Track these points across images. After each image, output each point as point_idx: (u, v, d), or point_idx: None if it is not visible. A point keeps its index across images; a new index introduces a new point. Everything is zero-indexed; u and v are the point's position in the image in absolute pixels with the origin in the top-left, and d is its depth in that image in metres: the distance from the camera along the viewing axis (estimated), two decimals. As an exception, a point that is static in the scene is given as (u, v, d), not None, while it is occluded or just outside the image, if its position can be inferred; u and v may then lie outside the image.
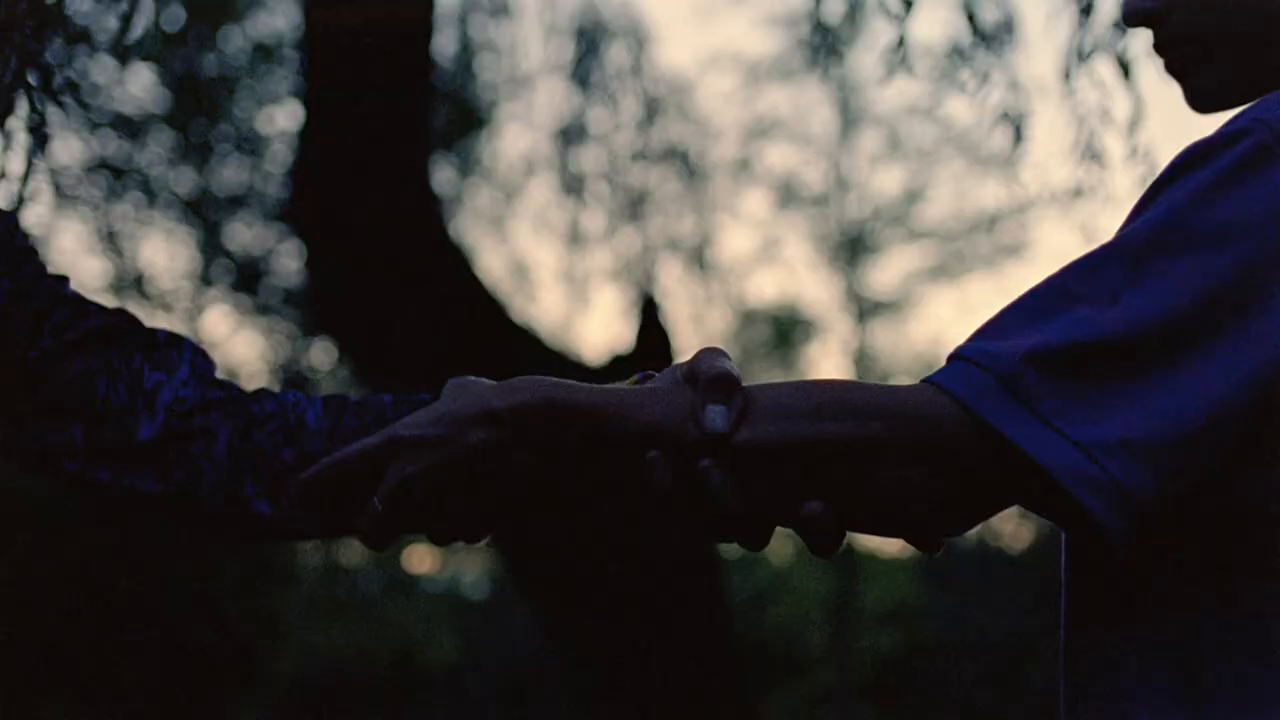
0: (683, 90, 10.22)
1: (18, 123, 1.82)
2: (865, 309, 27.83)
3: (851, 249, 25.95)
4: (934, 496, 1.07)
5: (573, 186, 7.51)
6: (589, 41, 7.58)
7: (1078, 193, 2.67)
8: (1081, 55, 2.64)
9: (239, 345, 19.67)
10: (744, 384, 1.08)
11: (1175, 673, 1.05)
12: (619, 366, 6.32)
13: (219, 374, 1.33)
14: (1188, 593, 1.05)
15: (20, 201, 1.87)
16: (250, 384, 1.29)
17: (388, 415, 1.24)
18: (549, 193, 7.56)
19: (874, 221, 24.00)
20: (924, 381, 1.06)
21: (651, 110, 7.57)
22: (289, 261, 17.43)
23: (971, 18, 2.58)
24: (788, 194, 22.86)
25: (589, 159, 7.47)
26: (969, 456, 1.02)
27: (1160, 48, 1.21)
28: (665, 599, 5.86)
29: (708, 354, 1.12)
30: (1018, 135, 2.61)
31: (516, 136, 8.02)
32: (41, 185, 1.91)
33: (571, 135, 7.54)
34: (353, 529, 1.12)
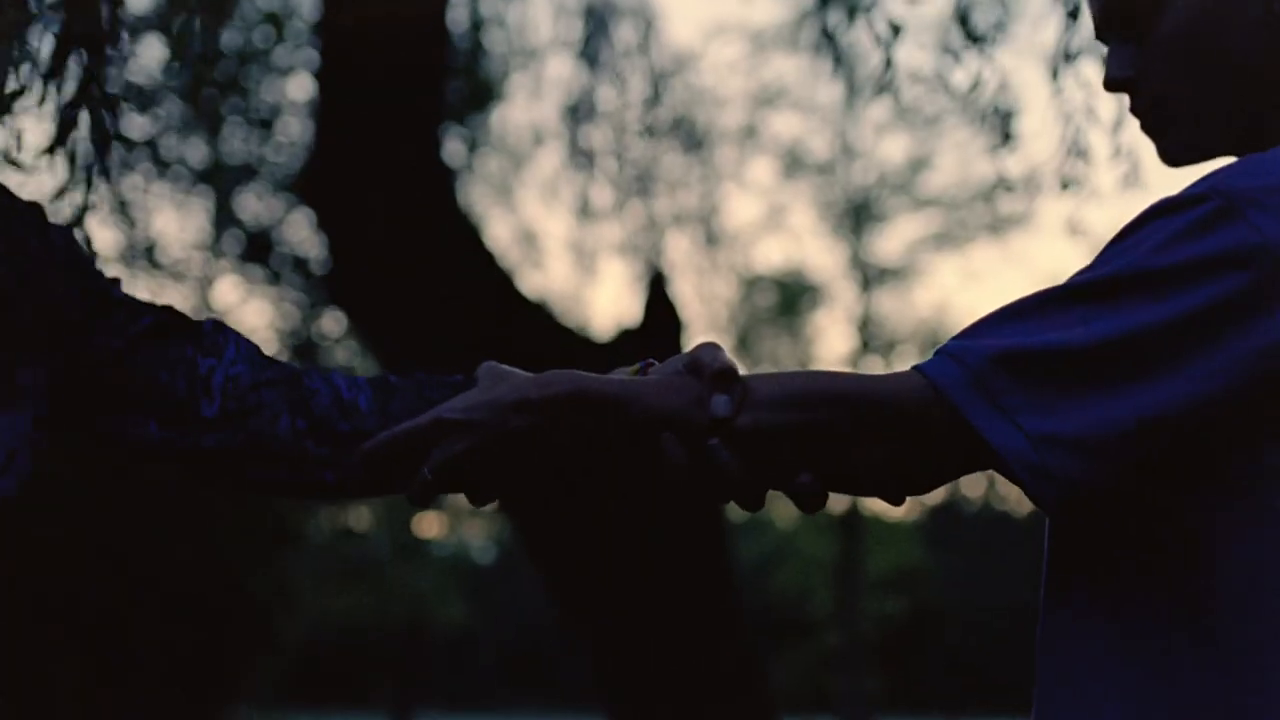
0: (688, 61, 10.36)
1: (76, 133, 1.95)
2: (870, 276, 27.95)
3: (856, 216, 26.05)
4: (903, 467, 1.24)
5: (581, 162, 7.63)
6: (597, 19, 7.71)
7: (1064, 186, 2.82)
8: (1068, 56, 2.80)
9: (249, 315, 19.81)
10: (742, 375, 1.25)
11: (1120, 646, 1.21)
12: (627, 340, 6.46)
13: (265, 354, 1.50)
14: (1134, 573, 1.22)
15: (83, 210, 1.99)
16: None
17: (427, 395, 1.41)
18: (557, 168, 7.72)
19: (879, 189, 24.10)
20: (913, 368, 1.22)
21: (659, 87, 7.69)
22: (298, 231, 17.56)
23: (964, 20, 2.73)
24: (793, 162, 22.95)
25: (597, 135, 7.61)
26: (938, 432, 1.18)
27: (1135, 111, 1.34)
28: (671, 563, 5.99)
29: (708, 348, 1.27)
30: (1006, 134, 2.77)
31: (525, 112, 8.15)
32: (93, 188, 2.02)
33: (580, 111, 7.68)
34: (404, 492, 1.31)
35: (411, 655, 30.41)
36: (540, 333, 6.17)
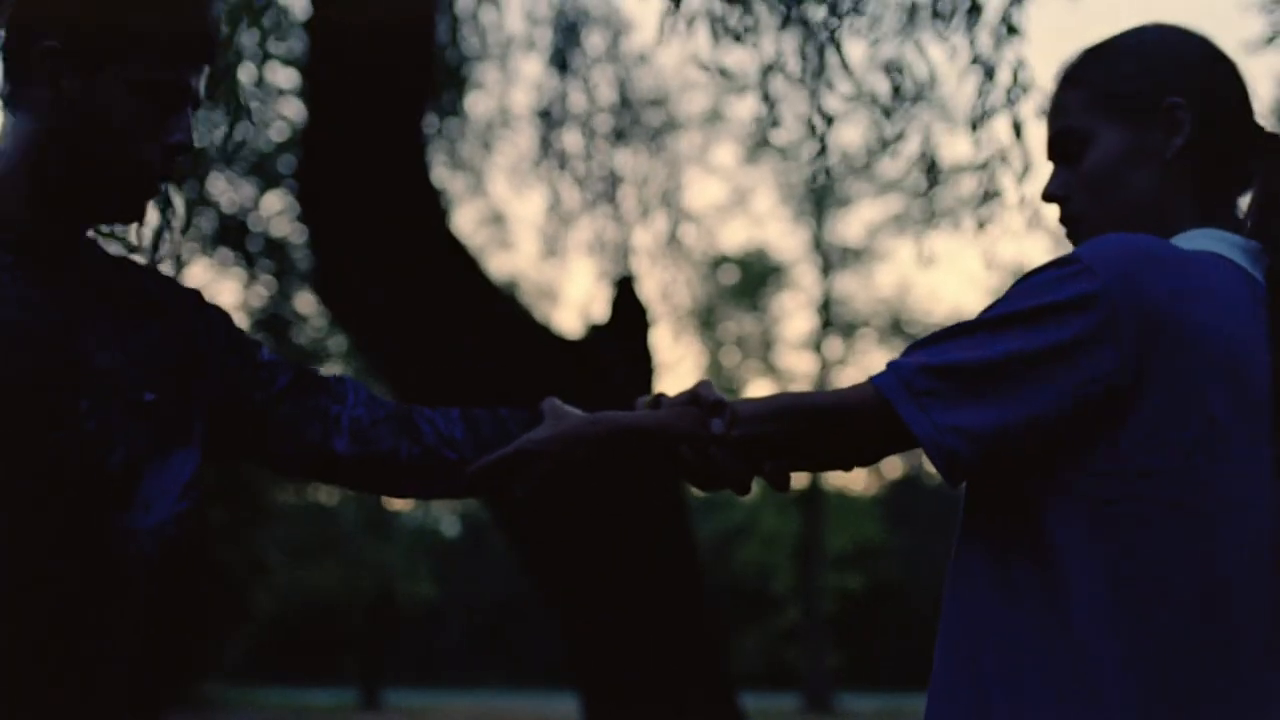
0: (652, 52, 10.64)
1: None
2: (832, 258, 28.39)
3: (819, 200, 26.47)
4: (850, 450, 1.74)
5: (551, 163, 7.99)
6: (568, 27, 8.06)
7: (980, 225, 3.22)
8: (986, 113, 3.20)
9: (224, 294, 20.11)
10: (728, 401, 1.81)
11: (995, 583, 1.63)
12: (596, 335, 6.80)
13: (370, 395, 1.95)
14: (1005, 533, 1.64)
15: (179, 258, 2.34)
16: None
17: (507, 428, 1.85)
18: (529, 169, 8.04)
19: (842, 173, 24.49)
20: (868, 380, 1.67)
21: (626, 90, 8.06)
22: (270, 214, 17.86)
23: (896, 86, 3.13)
24: (757, 146, 23.34)
25: (568, 137, 7.97)
26: (880, 424, 1.62)
27: (1062, 220, 1.75)
28: (634, 540, 6.27)
29: (704, 385, 1.80)
30: (932, 178, 3.17)
31: (499, 116, 8.52)
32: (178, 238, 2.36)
33: (551, 114, 8.05)
34: (501, 497, 1.84)
35: (380, 629, 30.74)
36: (516, 331, 6.46)
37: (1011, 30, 3.23)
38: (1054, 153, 1.74)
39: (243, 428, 1.76)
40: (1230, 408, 1.53)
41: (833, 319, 27.92)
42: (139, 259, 1.90)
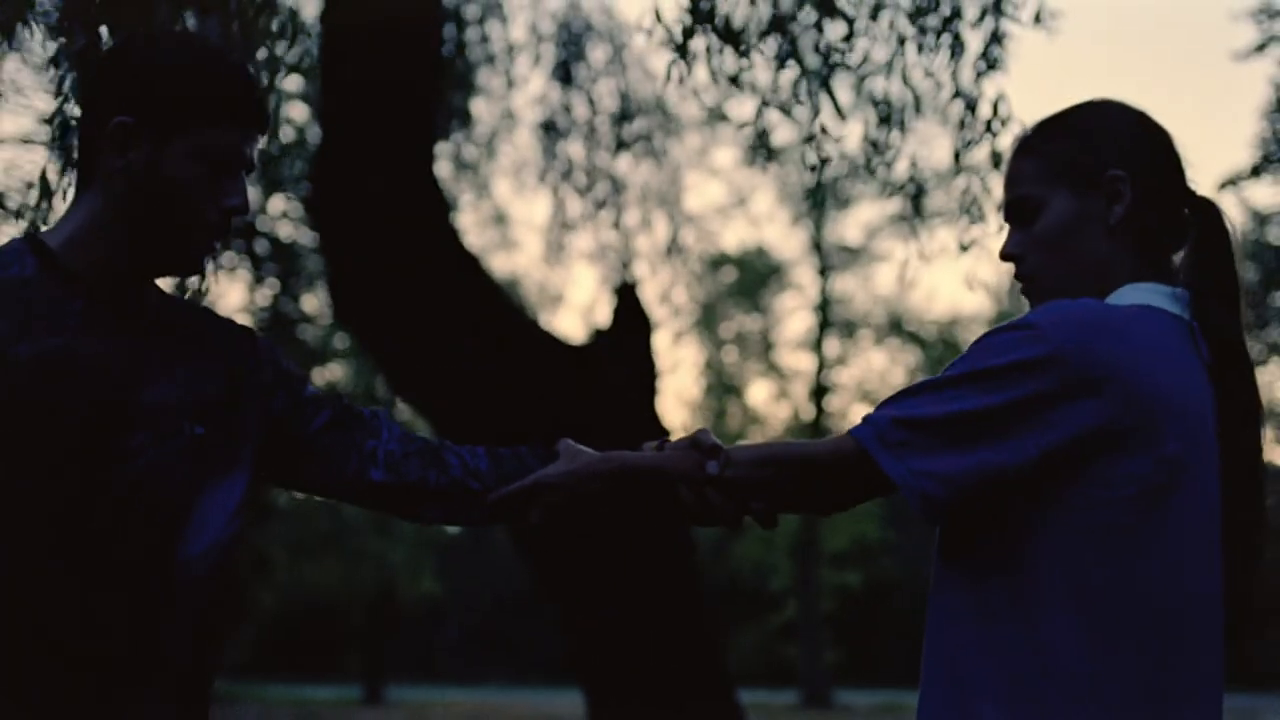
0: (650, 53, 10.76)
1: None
2: (831, 258, 28.57)
3: (818, 202, 26.63)
4: (829, 495, 1.95)
5: (555, 175, 8.17)
6: (572, 41, 8.25)
7: (964, 248, 3.41)
8: (968, 143, 3.41)
9: (231, 295, 20.31)
10: (724, 446, 2.03)
11: (971, 604, 1.84)
12: (599, 340, 6.99)
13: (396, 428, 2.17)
14: (979, 559, 1.86)
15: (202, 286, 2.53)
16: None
17: (527, 463, 2.06)
18: (534, 182, 8.21)
19: (842, 174, 24.68)
20: (847, 433, 1.87)
21: (627, 105, 8.25)
22: (276, 216, 18.05)
23: (886, 116, 3.34)
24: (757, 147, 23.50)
25: (570, 150, 8.16)
26: (859, 471, 1.83)
27: (1017, 277, 1.97)
28: (634, 539, 6.40)
29: (702, 433, 2.01)
30: (917, 205, 3.38)
31: (503, 128, 8.69)
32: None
33: (554, 127, 8.24)
34: (519, 524, 2.02)
35: (383, 626, 30.90)
36: (519, 334, 6.64)
37: (991, 65, 3.44)
38: (1010, 216, 1.96)
39: (287, 457, 1.97)
40: (1181, 443, 1.74)
41: (832, 318, 28.12)
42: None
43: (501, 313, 6.74)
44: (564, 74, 8.17)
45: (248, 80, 1.84)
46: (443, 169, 8.17)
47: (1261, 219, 24.24)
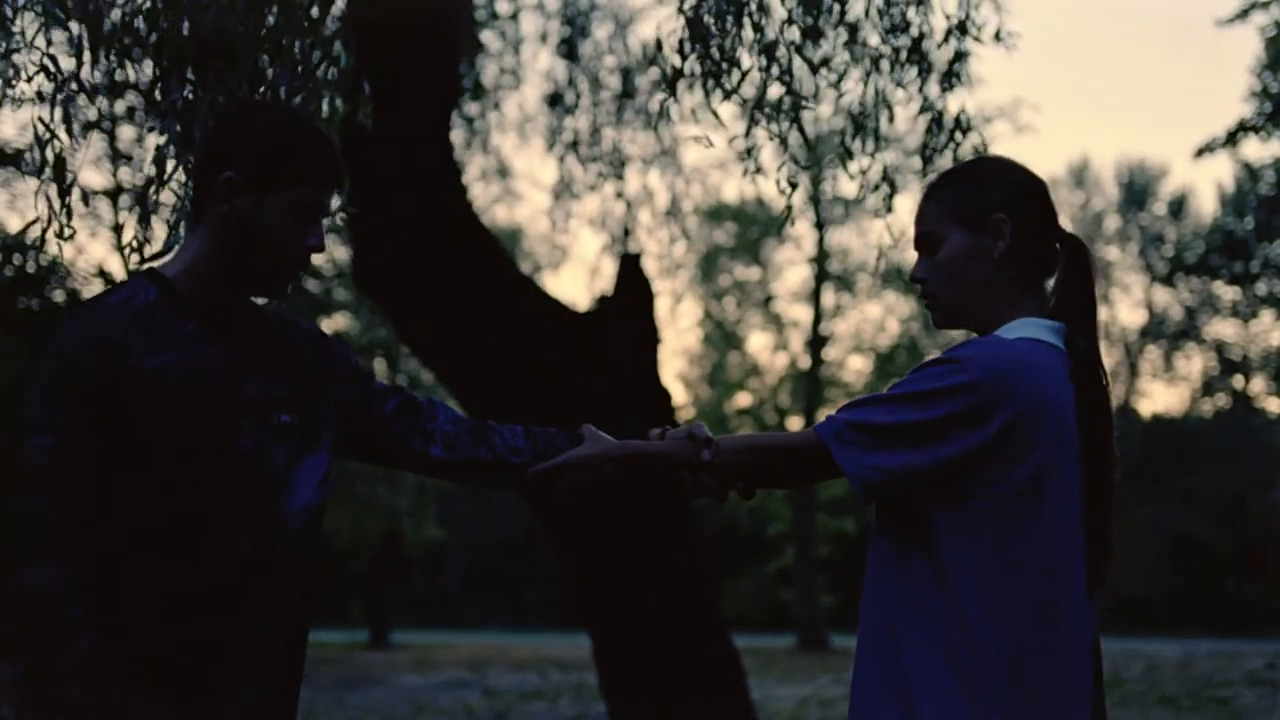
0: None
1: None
2: (829, 211, 28.95)
3: (817, 154, 26.91)
4: (796, 478, 2.56)
5: (561, 147, 8.57)
6: (578, 20, 8.64)
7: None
8: (937, 150, 3.83)
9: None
10: (714, 438, 2.48)
11: (897, 566, 2.33)
12: (604, 306, 7.36)
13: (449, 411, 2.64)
14: (904, 531, 2.34)
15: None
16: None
17: (558, 444, 2.53)
18: (540, 153, 8.59)
19: (841, 128, 24.95)
20: (813, 428, 2.37)
21: (628, 76, 8.63)
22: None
23: (861, 124, 3.77)
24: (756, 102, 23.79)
25: (575, 122, 8.55)
26: (818, 461, 2.30)
27: (923, 296, 2.44)
28: (637, 496, 6.76)
29: (697, 426, 2.46)
30: (889, 204, 3.81)
31: (511, 103, 9.05)
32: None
33: (559, 101, 8.64)
34: (553, 496, 2.49)
35: (387, 572, 31.44)
36: (530, 303, 7.01)
37: (955, 79, 3.88)
38: (918, 247, 2.41)
39: (362, 439, 2.43)
40: (1055, 448, 2.20)
41: (829, 270, 28.53)
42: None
43: (514, 284, 7.07)
44: (569, 50, 8.55)
45: (331, 146, 2.27)
46: (455, 135, 8.56)
47: (1253, 172, 24.71)
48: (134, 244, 2.86)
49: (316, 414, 2.32)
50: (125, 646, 2.11)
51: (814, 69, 3.69)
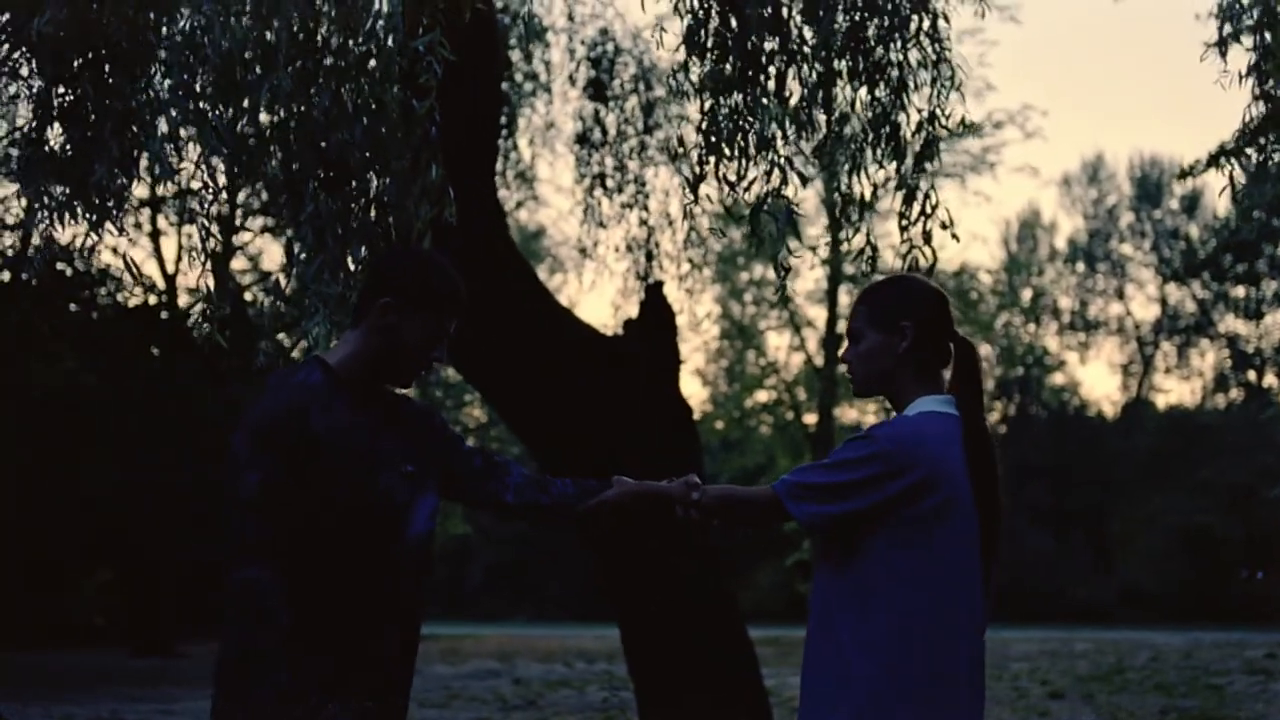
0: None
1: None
2: (845, 211, 29.38)
3: (832, 156, 27.41)
4: (760, 521, 3.31)
5: (589, 181, 9.25)
6: (604, 60, 9.34)
7: (910, 268, 4.54)
8: (911, 221, 4.59)
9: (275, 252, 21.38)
10: (703, 485, 3.25)
11: (840, 585, 3.08)
12: (629, 329, 7.99)
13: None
14: (841, 557, 3.08)
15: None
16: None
17: (595, 489, 3.27)
18: (569, 185, 9.15)
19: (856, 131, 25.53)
20: (770, 487, 3.08)
21: (652, 114, 9.31)
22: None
23: (848, 201, 4.56)
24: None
25: (602, 157, 9.24)
26: (776, 510, 3.06)
27: (847, 372, 3.19)
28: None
29: (692, 478, 3.24)
30: (874, 263, 4.58)
31: (540, 140, 9.72)
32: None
33: (587, 138, 9.33)
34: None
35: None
36: (570, 336, 7.66)
37: (928, 157, 4.66)
38: (848, 335, 3.16)
39: (456, 486, 3.19)
40: (951, 490, 2.94)
41: (843, 272, 29.17)
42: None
43: (547, 309, 7.71)
44: (596, 92, 9.30)
45: (459, 285, 3.05)
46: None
47: (1254, 175, 25.22)
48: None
49: (427, 466, 3.08)
50: (303, 627, 2.84)
51: (808, 161, 4.48)
